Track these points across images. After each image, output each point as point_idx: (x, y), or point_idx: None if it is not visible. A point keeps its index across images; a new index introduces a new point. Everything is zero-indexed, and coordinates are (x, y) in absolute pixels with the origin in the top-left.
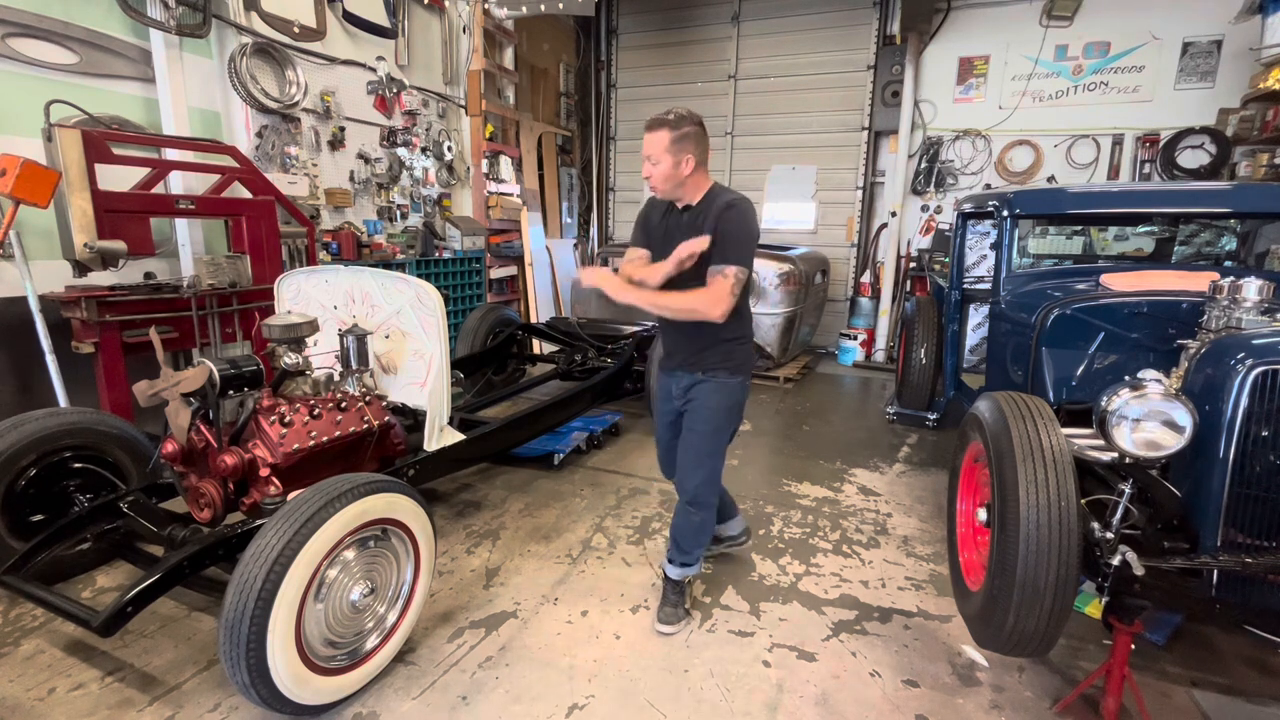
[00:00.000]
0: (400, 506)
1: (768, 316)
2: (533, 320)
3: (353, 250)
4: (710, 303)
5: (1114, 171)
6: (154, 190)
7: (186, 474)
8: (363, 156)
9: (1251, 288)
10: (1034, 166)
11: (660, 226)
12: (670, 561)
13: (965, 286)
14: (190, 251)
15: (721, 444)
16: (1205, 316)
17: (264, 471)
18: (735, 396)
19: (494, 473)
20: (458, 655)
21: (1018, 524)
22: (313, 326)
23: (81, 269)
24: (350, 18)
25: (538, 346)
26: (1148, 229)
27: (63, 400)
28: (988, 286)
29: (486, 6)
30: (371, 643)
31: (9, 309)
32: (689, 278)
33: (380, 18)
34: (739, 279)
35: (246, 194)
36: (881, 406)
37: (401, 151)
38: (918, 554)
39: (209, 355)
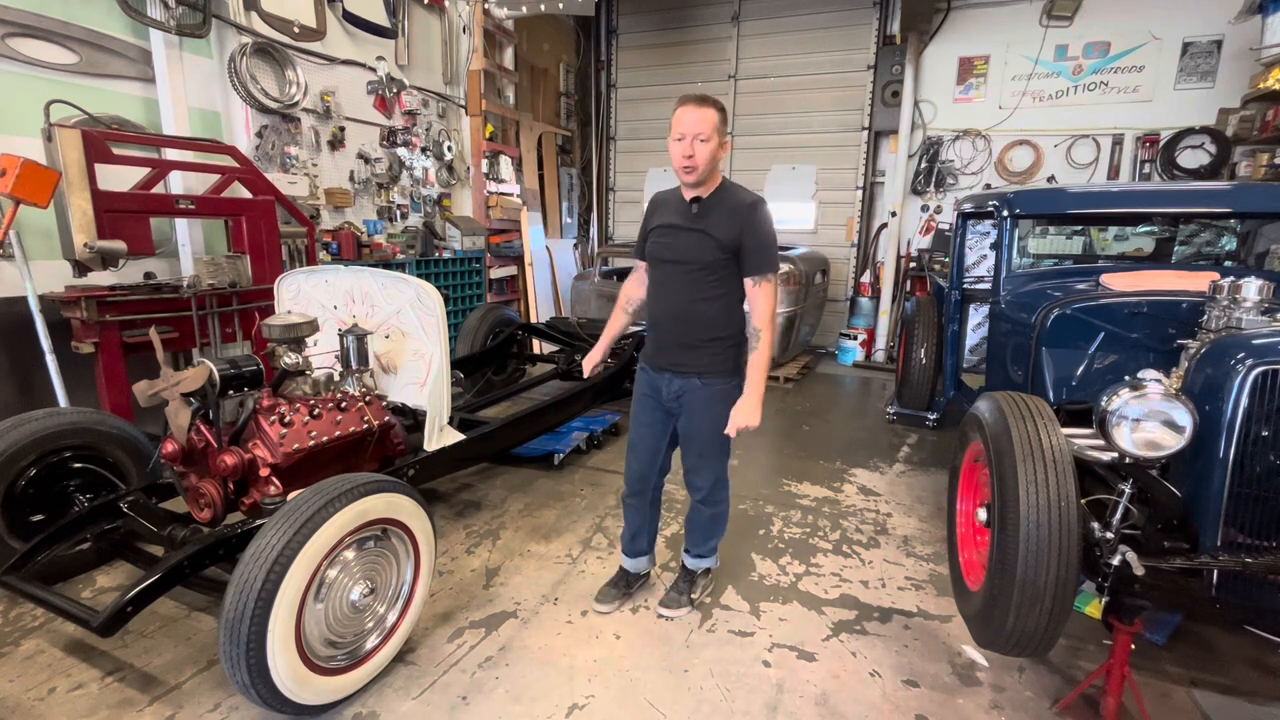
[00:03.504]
0: (400, 506)
1: None
2: (533, 320)
3: (353, 250)
4: (770, 319)
5: (1114, 171)
6: (154, 190)
7: (186, 474)
8: (363, 156)
9: (1251, 288)
10: (1034, 166)
11: (662, 218)
12: (686, 552)
13: (965, 286)
14: (190, 251)
15: (728, 444)
16: (1205, 316)
17: (264, 471)
18: (734, 398)
19: (494, 473)
20: (458, 655)
21: (1018, 524)
22: (313, 326)
23: (81, 269)
24: (350, 18)
25: (538, 346)
26: (1148, 229)
27: (63, 400)
28: (988, 286)
29: (486, 6)
30: (371, 643)
31: (9, 309)
32: (692, 284)
33: (380, 18)
34: (777, 283)
35: (246, 194)
36: (881, 406)
37: (401, 151)
38: (918, 554)
39: (209, 355)
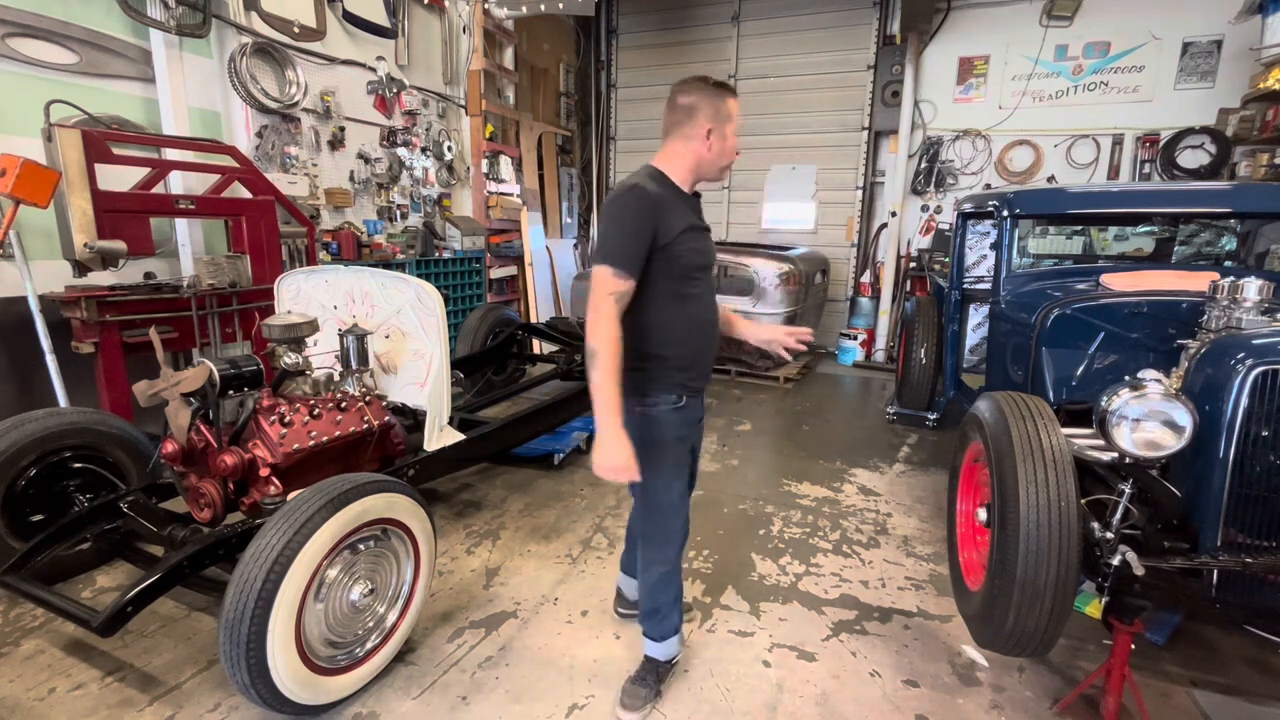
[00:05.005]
0: (400, 506)
1: (768, 316)
2: (533, 320)
3: (353, 250)
4: None
5: (1114, 171)
6: (154, 190)
7: (186, 474)
8: (363, 156)
9: (1251, 288)
10: (1034, 166)
11: (685, 219)
12: None
13: (965, 286)
14: (190, 251)
15: None
16: (1205, 316)
17: (264, 471)
18: None
19: (494, 473)
20: (458, 655)
21: (1018, 524)
22: (313, 326)
23: (81, 269)
24: (350, 18)
25: (538, 346)
26: (1148, 229)
27: (63, 400)
28: (988, 286)
29: (486, 6)
30: (371, 643)
31: (9, 309)
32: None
33: (380, 18)
34: None
35: (246, 194)
36: (881, 406)
37: (401, 151)
38: (918, 554)
39: (209, 355)
